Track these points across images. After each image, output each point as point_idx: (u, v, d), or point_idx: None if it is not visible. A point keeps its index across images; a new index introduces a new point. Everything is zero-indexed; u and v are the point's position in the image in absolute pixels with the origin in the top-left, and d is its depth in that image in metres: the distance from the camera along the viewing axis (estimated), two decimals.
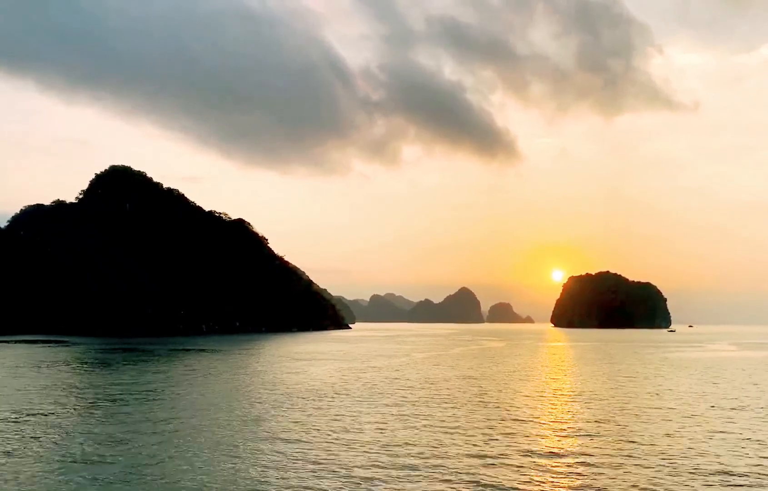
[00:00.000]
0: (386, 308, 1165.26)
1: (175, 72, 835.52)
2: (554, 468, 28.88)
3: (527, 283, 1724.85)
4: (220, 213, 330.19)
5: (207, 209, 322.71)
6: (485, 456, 31.00)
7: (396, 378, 70.15)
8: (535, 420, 42.43)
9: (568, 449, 33.03)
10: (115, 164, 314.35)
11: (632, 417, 43.82)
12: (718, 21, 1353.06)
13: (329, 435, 36.25)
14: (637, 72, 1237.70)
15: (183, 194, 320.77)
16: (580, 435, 36.67)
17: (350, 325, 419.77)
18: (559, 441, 35.23)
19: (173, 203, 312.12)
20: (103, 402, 49.56)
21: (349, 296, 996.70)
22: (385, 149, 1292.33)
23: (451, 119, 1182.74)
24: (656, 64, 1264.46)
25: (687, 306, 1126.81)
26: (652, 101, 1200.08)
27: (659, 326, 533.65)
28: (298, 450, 32.00)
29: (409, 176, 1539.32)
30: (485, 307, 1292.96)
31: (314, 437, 35.61)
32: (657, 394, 57.58)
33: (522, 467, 29.04)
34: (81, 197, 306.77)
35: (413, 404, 49.34)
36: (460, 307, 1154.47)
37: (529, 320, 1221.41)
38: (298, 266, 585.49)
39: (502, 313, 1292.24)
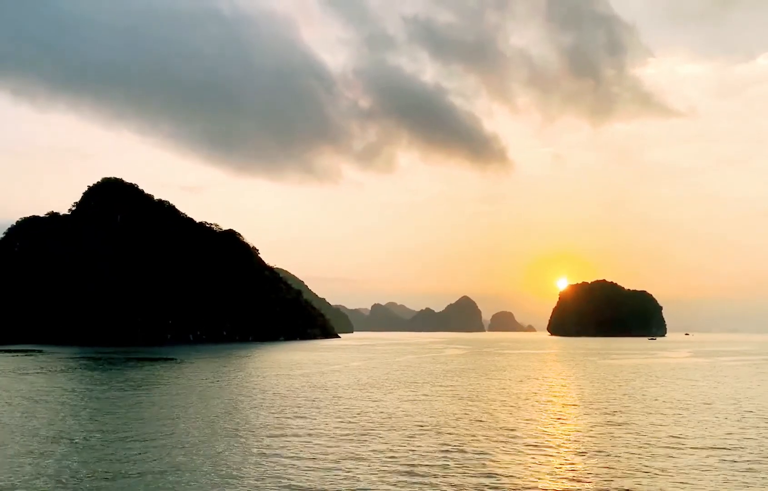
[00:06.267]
0: (387, 318, 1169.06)
1: (154, 78, 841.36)
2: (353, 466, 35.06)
3: (530, 292, 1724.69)
4: (211, 224, 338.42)
5: (200, 218, 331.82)
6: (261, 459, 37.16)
7: (292, 385, 76.71)
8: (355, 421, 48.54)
9: (367, 446, 39.21)
10: (101, 173, 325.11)
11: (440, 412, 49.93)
12: (714, 28, 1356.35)
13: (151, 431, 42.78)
14: (630, 78, 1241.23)
15: (174, 206, 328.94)
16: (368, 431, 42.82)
17: (340, 335, 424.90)
18: (360, 437, 41.35)
19: (164, 215, 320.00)
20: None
21: (350, 305, 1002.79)
22: (376, 156, 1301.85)
23: (439, 126, 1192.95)
24: (650, 71, 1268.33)
25: (691, 315, 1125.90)
26: (646, 108, 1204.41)
27: (654, 335, 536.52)
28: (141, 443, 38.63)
29: (403, 184, 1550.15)
30: (486, 316, 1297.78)
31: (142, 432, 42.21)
32: (511, 393, 63.48)
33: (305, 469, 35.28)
34: (74, 208, 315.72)
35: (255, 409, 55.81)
36: (461, 316, 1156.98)
37: (530, 329, 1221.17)
38: (296, 275, 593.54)
39: (504, 322, 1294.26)
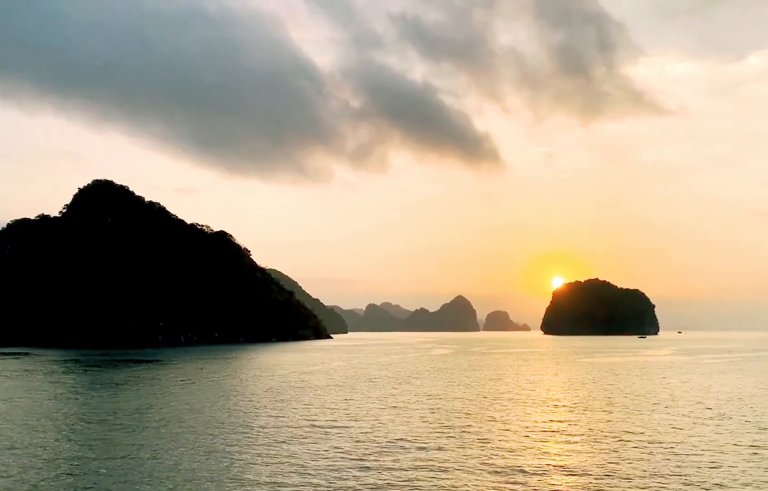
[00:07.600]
0: (382, 318, 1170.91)
1: (143, 80, 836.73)
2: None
3: (525, 291, 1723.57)
4: (202, 226, 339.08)
5: (193, 219, 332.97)
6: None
7: (265, 386, 77.89)
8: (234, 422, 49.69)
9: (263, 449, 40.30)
10: (91, 175, 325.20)
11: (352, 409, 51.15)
12: (703, 26, 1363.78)
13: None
14: (620, 77, 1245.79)
15: (165, 208, 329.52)
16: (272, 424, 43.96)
17: (332, 336, 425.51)
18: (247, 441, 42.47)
19: (155, 217, 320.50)
20: None
21: (344, 306, 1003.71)
22: (368, 156, 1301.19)
23: (430, 126, 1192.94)
24: (641, 70, 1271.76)
25: (686, 313, 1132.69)
26: (638, 107, 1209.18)
27: (646, 333, 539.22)
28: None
29: (396, 184, 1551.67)
30: (481, 315, 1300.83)
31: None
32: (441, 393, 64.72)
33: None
34: (65, 210, 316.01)
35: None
36: (456, 315, 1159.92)
37: (525, 327, 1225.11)
38: (289, 276, 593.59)
39: (499, 321, 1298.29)
